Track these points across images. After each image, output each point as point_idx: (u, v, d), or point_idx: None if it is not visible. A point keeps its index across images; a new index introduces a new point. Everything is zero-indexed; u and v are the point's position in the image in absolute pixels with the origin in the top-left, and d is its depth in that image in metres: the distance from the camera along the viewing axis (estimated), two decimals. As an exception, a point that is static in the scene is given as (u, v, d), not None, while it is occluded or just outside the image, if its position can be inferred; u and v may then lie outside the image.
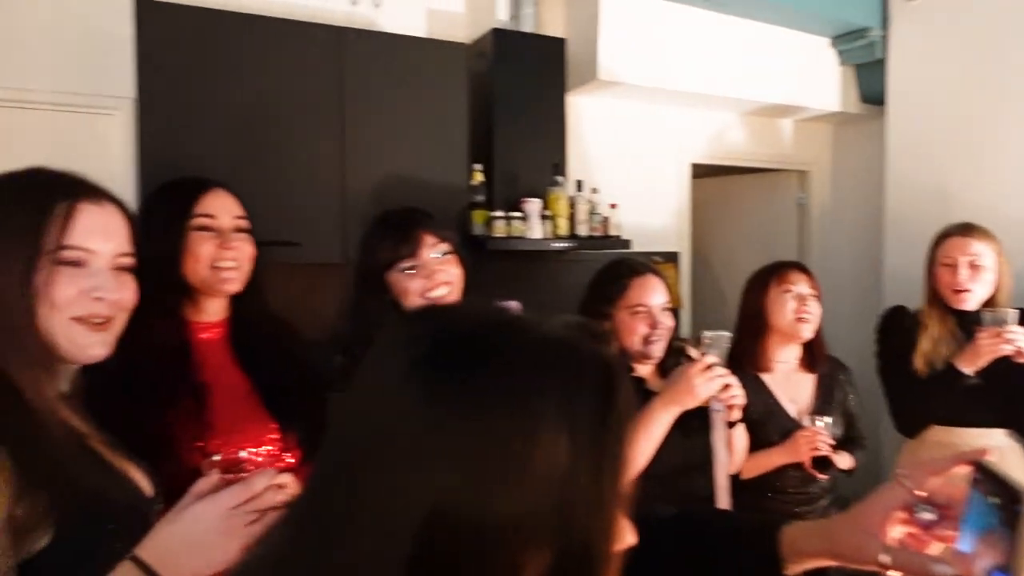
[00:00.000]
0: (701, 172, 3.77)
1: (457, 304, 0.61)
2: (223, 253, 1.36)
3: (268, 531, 0.61)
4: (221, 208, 1.40)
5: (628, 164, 3.36)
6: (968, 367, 2.11)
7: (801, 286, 2.14)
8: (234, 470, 0.91)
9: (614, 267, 1.89)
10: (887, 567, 0.70)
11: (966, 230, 2.26)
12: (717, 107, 3.52)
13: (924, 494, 0.72)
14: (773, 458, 2.02)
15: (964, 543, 0.62)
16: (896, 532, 0.74)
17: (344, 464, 0.52)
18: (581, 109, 3.23)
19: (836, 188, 3.99)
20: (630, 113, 3.37)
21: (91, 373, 1.02)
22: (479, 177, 2.72)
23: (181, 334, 1.34)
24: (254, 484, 0.87)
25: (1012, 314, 2.06)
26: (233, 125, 2.25)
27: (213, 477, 0.88)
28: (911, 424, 2.27)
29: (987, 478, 0.65)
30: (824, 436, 1.97)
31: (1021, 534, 0.56)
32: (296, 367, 1.44)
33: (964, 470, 0.71)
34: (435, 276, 1.55)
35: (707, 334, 1.71)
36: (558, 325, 0.55)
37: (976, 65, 2.97)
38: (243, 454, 0.96)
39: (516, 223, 2.75)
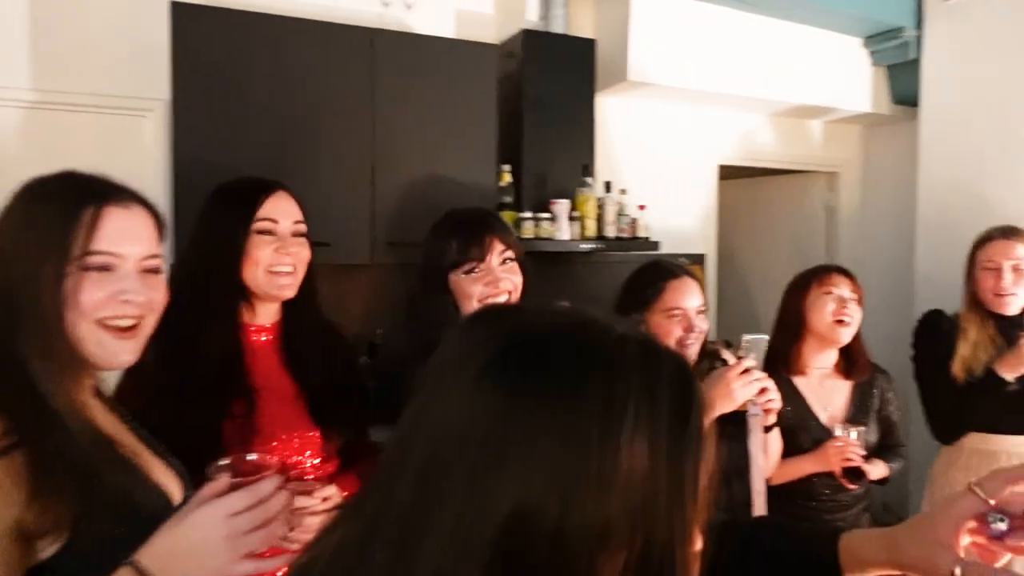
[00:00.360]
0: (729, 174, 3.74)
1: (526, 305, 0.60)
2: (281, 258, 1.35)
3: (326, 536, 0.60)
4: (283, 212, 1.38)
5: (656, 165, 3.34)
6: (1010, 373, 2.07)
7: (843, 289, 2.09)
8: (244, 474, 0.88)
9: (649, 269, 1.87)
10: None
11: (1010, 233, 2.22)
12: (746, 108, 3.49)
13: (996, 503, 0.70)
14: (803, 466, 1.98)
15: None
16: (964, 542, 0.72)
17: (420, 468, 0.51)
18: (610, 110, 3.21)
19: (866, 190, 3.94)
20: (659, 114, 3.35)
21: (144, 373, 1.02)
22: (507, 178, 2.71)
23: (237, 338, 1.34)
24: (261, 489, 0.85)
25: (1056, 319, 2.02)
26: (265, 126, 2.26)
27: (220, 481, 0.85)
28: (950, 431, 2.23)
29: None
30: (856, 447, 1.93)
31: None
32: (345, 374, 1.43)
33: None
34: (499, 283, 1.53)
35: (746, 337, 1.69)
36: (631, 327, 0.54)
37: (1012, 66, 2.92)
38: (252, 457, 0.93)
39: (544, 224, 2.73)
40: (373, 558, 0.50)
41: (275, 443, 1.29)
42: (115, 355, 0.94)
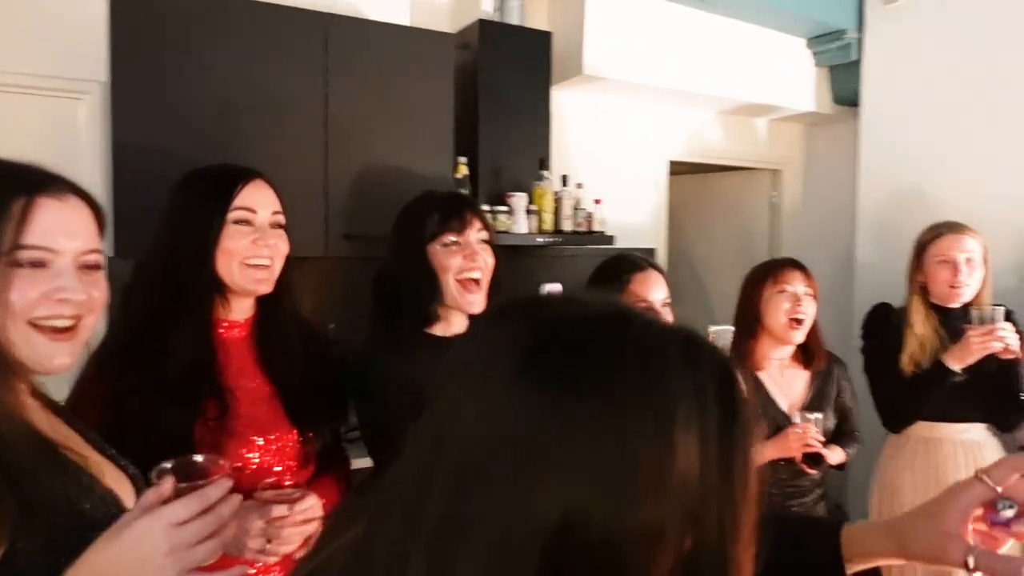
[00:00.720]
0: (679, 170, 3.78)
1: (559, 295, 0.56)
2: (259, 250, 1.27)
3: (329, 544, 0.55)
4: (261, 201, 1.30)
5: (610, 160, 3.35)
6: (957, 364, 2.14)
7: (797, 285, 2.12)
8: (191, 477, 0.80)
9: (615, 262, 1.86)
10: (973, 570, 0.68)
11: (960, 228, 2.30)
12: (696, 105, 3.53)
13: (1003, 490, 0.71)
14: (764, 452, 2.01)
15: None
16: (975, 529, 0.72)
17: (454, 475, 0.47)
18: (566, 104, 3.20)
19: (808, 187, 4.04)
20: (612, 109, 3.36)
21: (101, 379, 0.94)
22: (464, 170, 2.67)
23: (210, 335, 1.25)
24: (209, 494, 0.77)
25: (1000, 311, 2.10)
26: (209, 112, 2.15)
27: (164, 486, 0.77)
28: (899, 420, 2.30)
29: None
30: (815, 432, 1.98)
31: None
32: (321, 373, 1.36)
33: None
34: (476, 256, 1.50)
35: (712, 329, 1.70)
36: (663, 320, 0.52)
37: (951, 68, 3.04)
38: (199, 458, 0.85)
39: (501, 217, 2.70)
40: (404, 569, 0.46)
41: (248, 446, 1.21)
42: (50, 359, 0.86)
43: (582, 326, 0.50)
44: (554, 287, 2.65)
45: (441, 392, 0.51)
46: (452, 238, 1.50)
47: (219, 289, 1.27)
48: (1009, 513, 0.70)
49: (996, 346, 2.07)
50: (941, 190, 3.01)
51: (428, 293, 1.48)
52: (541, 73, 2.88)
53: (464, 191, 2.65)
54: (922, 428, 2.27)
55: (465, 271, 1.49)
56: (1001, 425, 2.26)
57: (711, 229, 4.23)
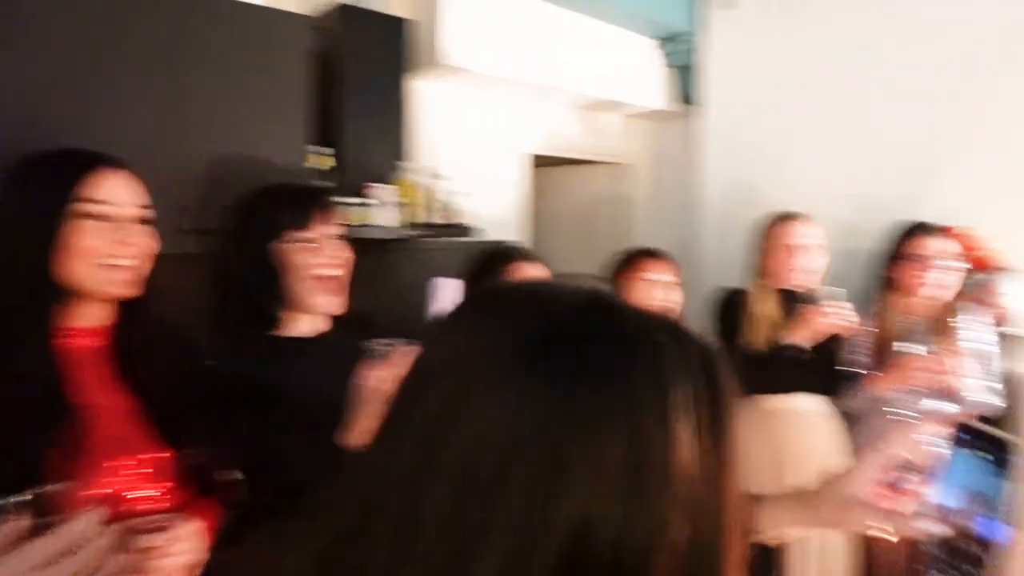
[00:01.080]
0: (542, 163, 3.84)
1: (538, 283, 0.53)
2: (118, 248, 1.13)
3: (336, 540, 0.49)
4: (120, 193, 1.15)
5: (473, 152, 3.34)
6: (802, 341, 2.32)
7: (659, 274, 2.22)
8: (53, 511, 0.71)
9: (489, 255, 1.85)
10: (875, 530, 0.73)
11: (801, 216, 2.51)
12: (554, 99, 3.60)
13: (903, 457, 0.76)
14: None
15: (948, 498, 0.66)
16: (874, 493, 0.77)
17: (457, 479, 0.44)
18: (428, 94, 3.15)
19: (658, 181, 4.24)
20: (474, 101, 3.35)
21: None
22: (325, 161, 2.55)
23: (53, 346, 1.09)
24: (75, 529, 0.68)
25: (838, 292, 2.31)
26: (38, 93, 1.91)
27: (19, 523, 0.68)
28: (750, 396, 2.47)
29: (975, 436, 0.69)
30: None
31: (1013, 481, 0.60)
32: (189, 385, 1.23)
33: (943, 430, 0.75)
34: (332, 254, 1.42)
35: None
36: (645, 308, 0.51)
37: (786, 69, 3.31)
38: (61, 487, 0.76)
39: (362, 210, 2.62)
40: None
41: (112, 470, 1.07)
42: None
43: (580, 317, 0.48)
44: (449, 282, 2.60)
45: (421, 395, 0.47)
46: (302, 234, 1.42)
47: (61, 293, 1.11)
48: (906, 477, 0.75)
49: (838, 323, 2.28)
50: (778, 184, 3.27)
51: (270, 294, 1.40)
52: (399, 61, 2.81)
53: (329, 183, 2.54)
54: (766, 401, 2.45)
55: (322, 268, 1.42)
56: (834, 394, 2.49)
57: (571, 221, 4.35)
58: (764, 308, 2.46)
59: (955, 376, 2.27)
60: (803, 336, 2.32)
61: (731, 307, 2.55)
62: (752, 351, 2.41)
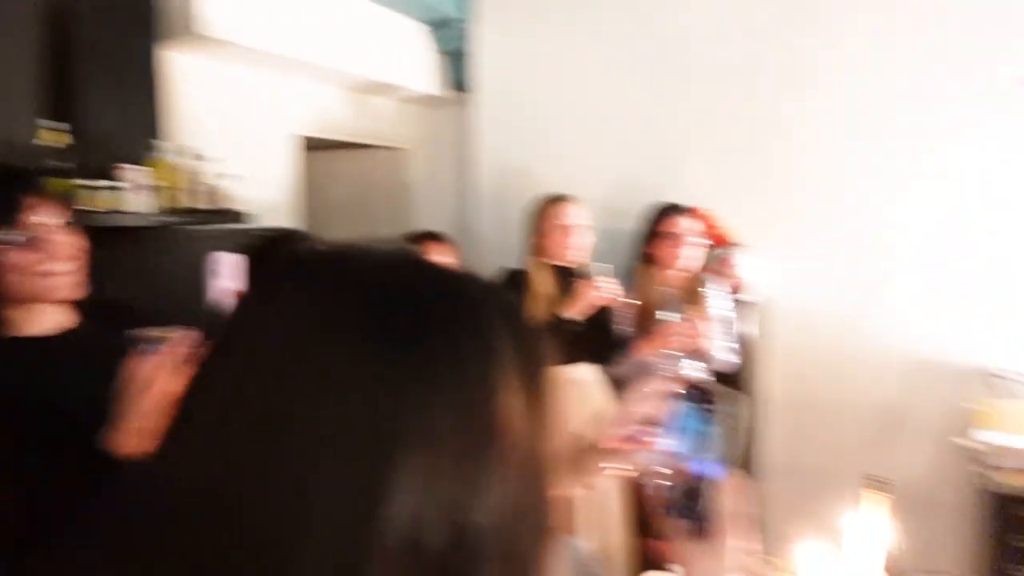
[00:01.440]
0: (315, 146, 3.69)
1: (364, 249, 0.49)
2: None
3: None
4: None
5: (239, 133, 3.11)
6: (574, 314, 2.49)
7: (437, 253, 2.26)
8: None
9: (270, 240, 1.75)
10: (612, 472, 0.84)
11: (571, 198, 2.67)
12: (324, 79, 3.47)
13: (642, 411, 0.86)
14: None
15: (677, 446, 0.76)
16: (615, 443, 0.87)
17: (283, 470, 0.38)
18: (185, 67, 2.87)
19: (433, 166, 4.27)
20: (238, 77, 3.11)
21: None
22: (60, 137, 2.22)
23: None
24: None
25: (605, 267, 2.51)
26: None
27: None
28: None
29: (700, 392, 0.79)
30: None
31: (720, 428, 0.71)
32: None
33: (674, 387, 0.85)
34: (55, 247, 1.23)
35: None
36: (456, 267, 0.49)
37: (555, 58, 3.49)
38: None
39: (110, 194, 2.33)
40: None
41: None
42: None
43: (398, 278, 0.44)
44: (229, 257, 2.36)
45: (230, 382, 0.42)
46: (9, 233, 1.24)
47: None
48: (643, 429, 0.87)
49: (606, 296, 2.47)
50: (548, 168, 3.44)
51: None
52: (148, 28, 2.53)
53: (65, 163, 2.22)
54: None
55: (42, 265, 1.25)
56: (605, 362, 2.70)
57: (347, 207, 4.24)
58: (542, 285, 2.60)
59: (704, 339, 2.57)
60: (577, 309, 2.48)
61: (512, 286, 2.65)
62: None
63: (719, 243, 2.97)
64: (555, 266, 2.65)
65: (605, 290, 2.47)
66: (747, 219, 3.08)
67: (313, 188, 4.01)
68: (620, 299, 2.55)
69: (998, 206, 2.81)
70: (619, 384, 2.74)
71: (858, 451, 2.97)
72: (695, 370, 0.89)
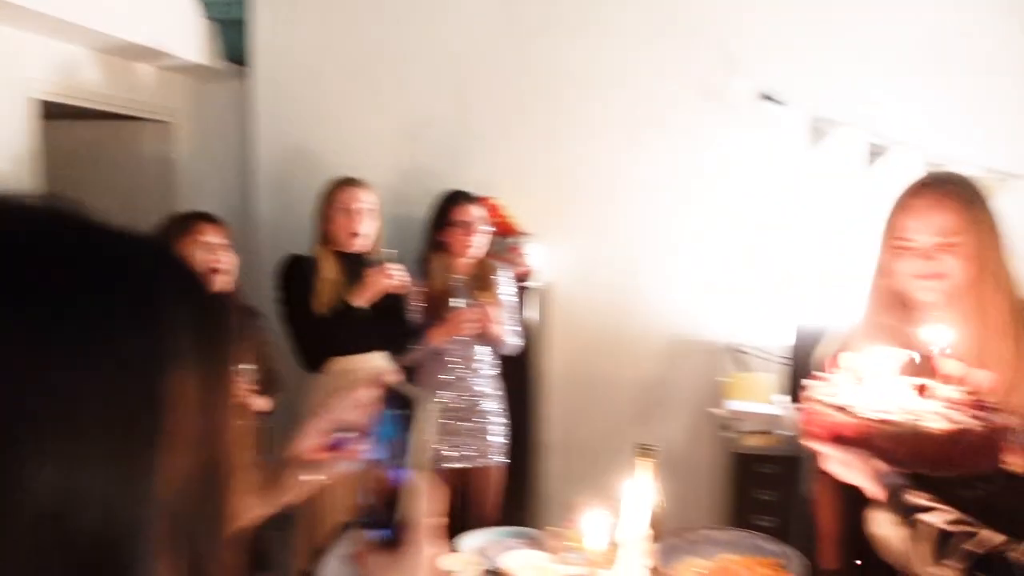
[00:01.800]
0: (61, 113, 3.21)
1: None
2: None
3: None
4: None
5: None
6: (361, 301, 2.42)
7: (210, 236, 2.13)
8: None
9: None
10: (309, 482, 0.84)
11: (358, 182, 2.58)
12: (69, 37, 3.02)
13: (341, 419, 0.85)
14: None
15: (377, 452, 0.75)
16: (315, 452, 0.87)
17: None
18: None
19: (203, 142, 3.91)
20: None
21: None
22: None
23: None
24: None
25: (392, 254, 2.46)
26: None
27: None
28: (316, 360, 2.49)
29: (394, 395, 0.79)
30: (244, 381, 2.02)
31: (413, 433, 0.72)
32: None
33: (373, 392, 0.83)
34: None
35: None
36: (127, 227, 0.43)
37: (334, 35, 3.35)
38: None
39: None
40: None
41: None
42: None
43: (42, 235, 0.38)
44: None
45: None
46: None
47: None
48: (344, 436, 0.85)
49: (391, 282, 2.42)
50: (334, 150, 3.31)
51: None
52: None
53: None
54: (338, 362, 2.51)
55: None
56: (396, 350, 2.66)
57: (98, 182, 3.73)
58: (328, 272, 2.49)
59: (495, 324, 2.63)
60: (365, 297, 2.42)
61: (297, 272, 2.53)
62: (317, 315, 2.44)
63: (506, 231, 3.06)
64: (343, 252, 2.56)
65: (392, 277, 2.43)
66: (528, 208, 3.20)
67: (58, 160, 3.49)
68: (410, 286, 2.52)
69: (742, 201, 3.18)
70: (411, 372, 2.72)
71: (630, 423, 3.23)
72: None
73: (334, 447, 0.84)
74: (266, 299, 2.90)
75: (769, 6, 3.11)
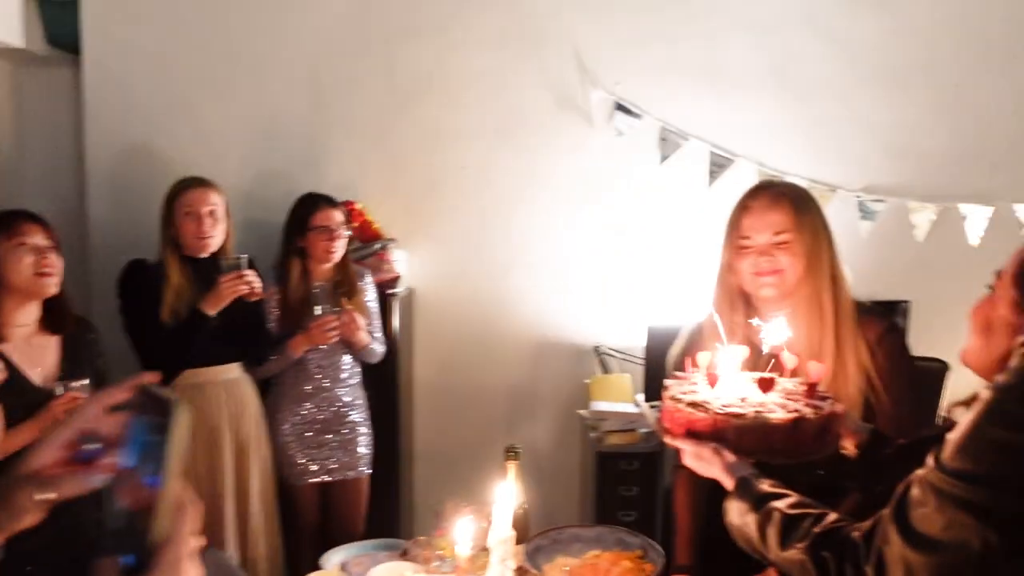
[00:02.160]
0: None
1: None
2: None
3: None
4: None
5: None
6: (212, 309, 2.28)
7: (37, 238, 1.95)
8: None
9: None
10: (47, 501, 0.71)
11: (204, 182, 2.43)
12: None
13: (87, 428, 0.75)
14: (24, 435, 1.79)
15: (129, 460, 0.69)
16: (59, 465, 0.74)
17: None
18: None
19: (24, 135, 3.51)
20: None
21: None
22: None
23: None
24: None
25: (244, 259, 2.33)
26: None
27: None
28: (164, 373, 2.30)
29: (148, 399, 0.72)
30: (82, 397, 1.87)
31: (168, 440, 0.66)
32: None
33: (123, 396, 0.75)
34: None
35: None
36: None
37: (171, 27, 3.11)
38: None
39: None
40: None
41: None
42: None
43: None
44: None
45: None
46: None
47: None
48: (92, 447, 0.74)
49: (244, 289, 2.30)
50: (179, 150, 3.08)
51: None
52: None
53: None
54: (188, 375, 2.36)
55: None
56: (253, 361, 2.52)
57: None
58: (176, 278, 2.33)
59: (360, 332, 2.55)
60: (213, 304, 2.29)
61: (138, 280, 2.35)
62: (164, 324, 2.27)
63: (369, 236, 2.98)
64: (191, 258, 2.39)
65: (242, 284, 2.30)
66: (390, 213, 3.14)
67: None
68: (265, 293, 2.40)
69: (604, 208, 3.27)
70: (268, 383, 2.59)
71: (499, 428, 3.23)
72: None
73: (78, 460, 0.73)
74: (101, 307, 2.67)
75: (623, 23, 3.23)
